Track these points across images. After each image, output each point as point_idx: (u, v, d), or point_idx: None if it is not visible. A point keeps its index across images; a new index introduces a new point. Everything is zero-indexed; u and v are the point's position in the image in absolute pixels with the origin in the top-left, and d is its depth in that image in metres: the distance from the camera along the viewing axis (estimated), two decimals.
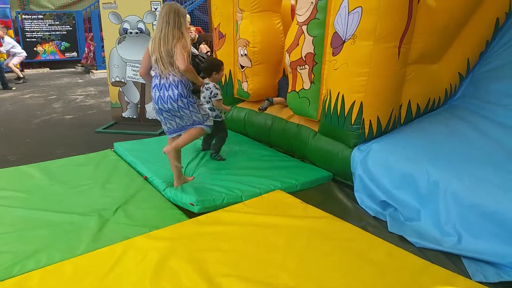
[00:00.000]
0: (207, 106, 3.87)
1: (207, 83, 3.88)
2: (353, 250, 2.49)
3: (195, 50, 7.67)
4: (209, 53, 7.98)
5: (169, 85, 3.02)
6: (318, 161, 3.77)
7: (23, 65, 11.50)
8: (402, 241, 2.71)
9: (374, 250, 2.49)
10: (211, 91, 3.85)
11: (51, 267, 2.32)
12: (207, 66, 3.99)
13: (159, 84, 3.06)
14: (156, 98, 3.09)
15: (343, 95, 3.33)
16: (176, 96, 3.02)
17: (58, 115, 6.55)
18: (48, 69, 11.93)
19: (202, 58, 7.51)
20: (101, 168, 3.86)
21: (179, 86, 3.02)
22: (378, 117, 3.32)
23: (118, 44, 5.62)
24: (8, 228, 2.77)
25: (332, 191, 3.46)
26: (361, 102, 3.26)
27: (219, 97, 3.86)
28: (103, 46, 7.35)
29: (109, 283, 2.18)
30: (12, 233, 2.70)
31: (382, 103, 3.32)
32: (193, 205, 2.99)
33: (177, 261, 2.36)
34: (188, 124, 3.20)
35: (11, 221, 2.86)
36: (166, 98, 3.03)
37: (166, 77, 3.03)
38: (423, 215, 2.84)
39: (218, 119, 3.96)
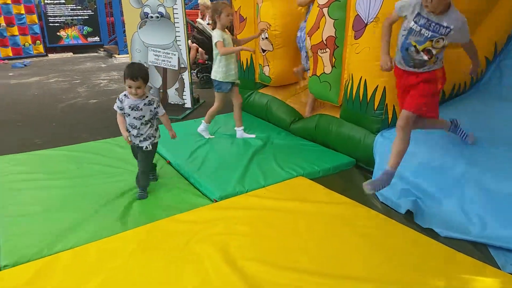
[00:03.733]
0: None
1: None
2: (375, 237, 2.49)
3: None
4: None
5: None
6: (340, 147, 3.75)
7: (47, 50, 11.70)
8: (425, 229, 2.67)
9: (397, 237, 2.49)
10: None
11: (79, 249, 2.41)
12: None
13: None
14: None
15: (365, 79, 3.29)
16: None
17: (82, 99, 6.67)
18: (72, 53, 12.10)
19: None
20: (126, 152, 3.93)
21: None
22: None
23: (139, 28, 5.65)
24: (36, 209, 2.88)
25: (355, 178, 3.45)
26: (384, 86, 3.21)
27: None
28: (124, 30, 7.39)
29: (134, 265, 2.26)
30: (40, 215, 2.81)
31: None
32: (216, 201, 3.02)
33: (200, 244, 2.42)
34: None
35: (39, 202, 2.97)
36: None
37: None
38: (448, 203, 2.80)
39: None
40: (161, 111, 3.04)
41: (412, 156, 3.06)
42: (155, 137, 3.08)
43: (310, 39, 3.90)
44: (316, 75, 3.91)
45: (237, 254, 2.31)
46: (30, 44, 11.29)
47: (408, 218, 2.82)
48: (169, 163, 3.70)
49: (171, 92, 5.85)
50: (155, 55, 5.71)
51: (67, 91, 7.26)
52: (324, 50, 3.74)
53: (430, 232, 2.63)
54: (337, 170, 3.52)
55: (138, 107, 2.93)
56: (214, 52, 4.05)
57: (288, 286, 2.06)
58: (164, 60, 5.71)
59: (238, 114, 4.25)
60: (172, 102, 5.88)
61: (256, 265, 2.22)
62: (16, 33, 10.96)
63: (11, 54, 11.01)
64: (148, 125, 3.00)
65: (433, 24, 2.43)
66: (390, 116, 3.29)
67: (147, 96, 2.97)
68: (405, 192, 2.99)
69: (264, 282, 2.09)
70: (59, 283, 2.13)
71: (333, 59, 3.68)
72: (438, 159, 2.94)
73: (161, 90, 5.87)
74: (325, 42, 3.72)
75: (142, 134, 3.00)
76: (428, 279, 2.10)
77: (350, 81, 3.46)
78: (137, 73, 2.84)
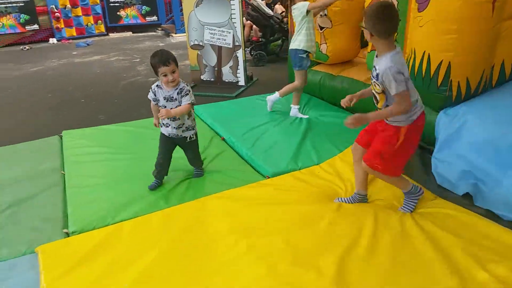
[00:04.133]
0: None
1: None
2: (430, 215, 2.41)
3: (270, 10, 7.58)
4: (284, 13, 7.84)
5: None
6: None
7: (108, 29, 12.14)
8: (488, 214, 2.52)
9: (452, 217, 2.39)
10: None
11: (140, 219, 2.53)
12: None
13: None
14: None
15: (429, 54, 3.12)
16: None
17: (142, 77, 6.89)
18: (131, 32, 12.49)
19: (277, 19, 7.44)
20: None
21: None
22: (467, 78, 3.08)
23: (196, 7, 5.70)
24: (99, 181, 3.04)
25: (412, 156, 3.31)
26: (449, 62, 3.03)
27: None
28: (181, 9, 7.49)
29: (190, 236, 2.35)
30: (103, 186, 2.96)
31: (472, 63, 3.06)
32: (269, 178, 3.02)
33: (253, 217, 2.46)
34: None
35: (102, 175, 3.13)
36: None
37: None
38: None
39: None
40: (186, 100, 2.76)
41: (476, 134, 2.90)
42: (195, 126, 2.97)
43: None
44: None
45: (291, 229, 2.32)
46: (92, 24, 11.79)
47: (466, 201, 2.68)
48: (224, 139, 3.75)
49: (225, 70, 5.89)
50: (211, 33, 5.75)
51: (128, 70, 7.53)
52: None
53: (491, 216, 2.50)
54: None
55: (173, 97, 2.77)
56: (300, 23, 3.97)
57: (341, 264, 2.04)
58: (219, 38, 5.75)
59: (298, 93, 4.20)
60: (226, 80, 5.93)
61: (308, 241, 2.22)
62: (80, 13, 11.47)
63: (75, 34, 11.56)
64: (187, 115, 2.87)
65: (374, 66, 2.31)
66: (454, 93, 3.11)
67: (180, 84, 2.78)
68: (465, 174, 2.83)
69: (315, 259, 2.08)
70: (123, 249, 2.25)
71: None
72: (505, 137, 2.75)
73: (215, 68, 5.93)
74: None
75: (184, 124, 2.87)
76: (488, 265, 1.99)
77: (412, 56, 3.29)
78: (166, 56, 2.65)
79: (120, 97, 5.71)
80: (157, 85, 2.82)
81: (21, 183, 3.09)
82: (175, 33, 11.43)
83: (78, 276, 2.06)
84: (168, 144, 2.95)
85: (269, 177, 3.01)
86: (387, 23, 2.17)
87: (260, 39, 7.68)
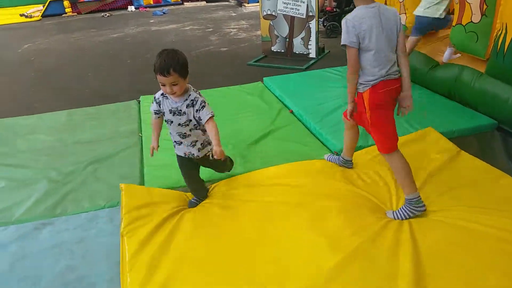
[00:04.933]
0: None
1: None
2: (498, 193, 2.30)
3: None
4: None
5: None
6: (481, 106, 3.36)
7: None
8: None
9: None
10: None
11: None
12: None
13: None
14: None
15: None
16: None
17: (214, 47, 7.00)
18: (205, 2, 12.64)
19: None
20: (254, 98, 4.08)
21: None
22: None
23: None
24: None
25: (493, 141, 3.11)
26: None
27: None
28: None
29: (259, 201, 2.42)
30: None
31: None
32: (337, 154, 2.96)
33: (312, 194, 2.46)
34: None
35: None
36: None
37: None
38: None
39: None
40: (205, 115, 2.15)
41: None
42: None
43: None
44: (461, 24, 3.50)
45: (357, 205, 2.30)
46: None
47: None
48: (292, 112, 3.73)
49: (297, 41, 5.80)
50: (284, 2, 5.66)
51: (201, 39, 7.67)
52: None
53: None
54: (475, 131, 3.19)
55: (181, 110, 2.17)
56: None
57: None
58: (292, 8, 5.64)
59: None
60: (297, 52, 5.85)
61: (373, 217, 2.18)
62: None
63: (152, 2, 11.94)
64: (201, 131, 2.29)
65: None
66: None
67: (190, 94, 2.16)
68: None
69: (380, 233, 2.05)
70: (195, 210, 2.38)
71: (484, 7, 3.24)
72: None
73: (287, 39, 5.86)
74: None
75: (197, 141, 2.30)
76: None
77: (503, 32, 3.02)
78: (167, 65, 2.01)
79: (194, 65, 5.83)
80: (162, 94, 2.22)
81: (101, 142, 3.32)
82: (248, 3, 11.39)
83: (152, 220, 2.22)
84: (189, 166, 2.40)
85: (337, 153, 2.96)
86: None
87: (335, 9, 7.43)
